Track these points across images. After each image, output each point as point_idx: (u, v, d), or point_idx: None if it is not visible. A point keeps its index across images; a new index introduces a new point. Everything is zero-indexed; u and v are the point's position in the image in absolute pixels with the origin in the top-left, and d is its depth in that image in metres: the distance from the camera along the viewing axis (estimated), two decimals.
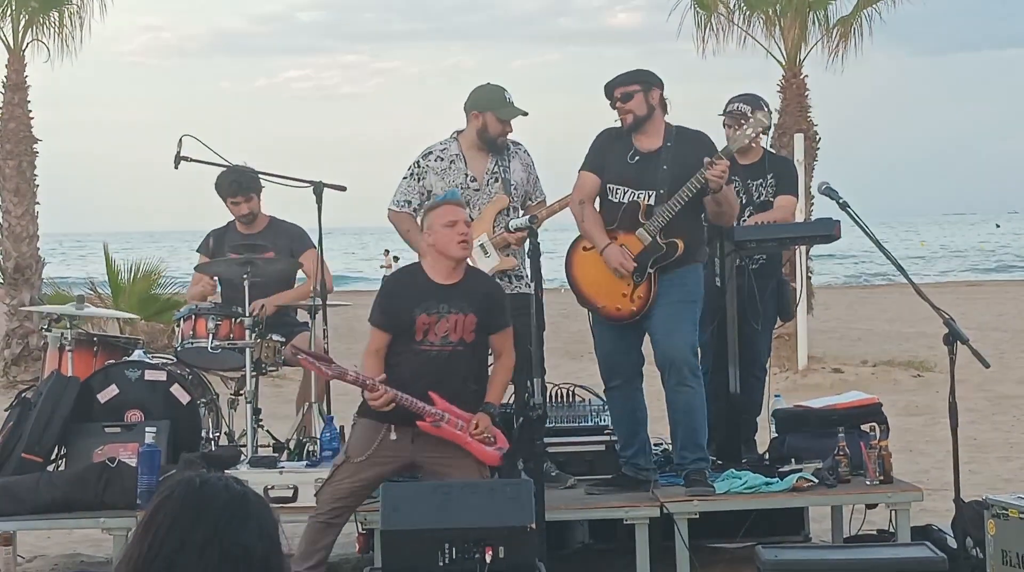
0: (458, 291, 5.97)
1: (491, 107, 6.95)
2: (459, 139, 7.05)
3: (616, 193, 6.49)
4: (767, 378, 7.38)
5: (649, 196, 6.41)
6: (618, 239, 6.44)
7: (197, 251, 8.04)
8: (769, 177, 7.26)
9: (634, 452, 6.59)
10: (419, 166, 7.03)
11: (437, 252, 6.01)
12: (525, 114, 7.02)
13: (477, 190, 6.90)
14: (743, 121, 7.18)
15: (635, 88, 6.46)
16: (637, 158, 6.46)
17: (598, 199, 6.59)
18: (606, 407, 7.20)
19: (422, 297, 5.96)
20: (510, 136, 7.05)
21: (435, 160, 7.00)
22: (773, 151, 7.55)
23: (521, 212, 6.93)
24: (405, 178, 7.06)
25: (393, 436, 5.93)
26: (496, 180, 6.91)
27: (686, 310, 6.47)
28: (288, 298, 7.63)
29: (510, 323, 6.14)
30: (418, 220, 7.06)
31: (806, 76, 15.80)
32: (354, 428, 6.10)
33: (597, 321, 6.62)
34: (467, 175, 6.91)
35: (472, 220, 6.77)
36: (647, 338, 6.58)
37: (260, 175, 7.75)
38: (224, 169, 7.63)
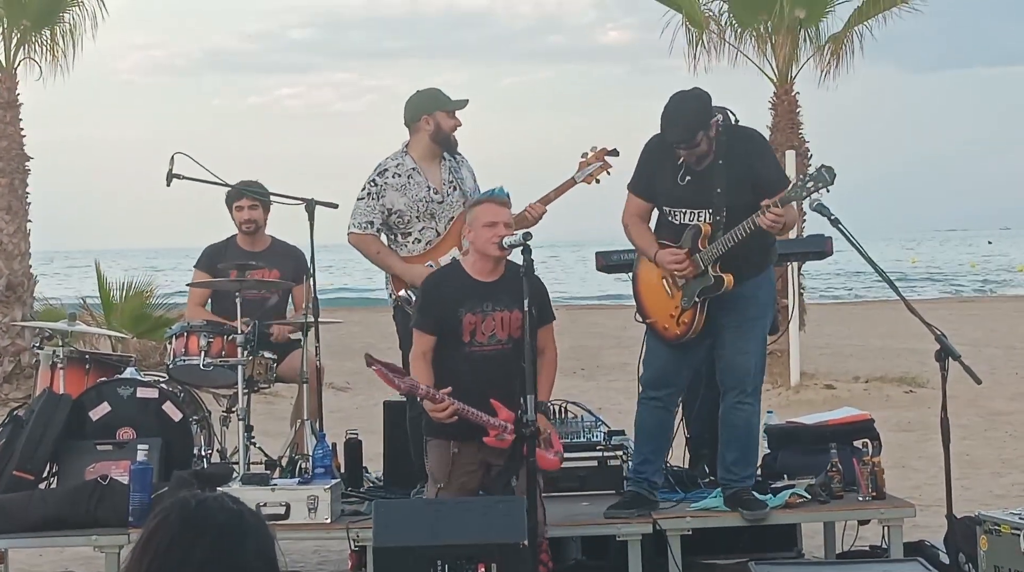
0: (501, 288, 5.93)
1: (438, 106, 6.98)
2: (409, 153, 7.01)
3: (675, 215, 6.33)
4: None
5: (709, 215, 6.24)
6: None
7: (195, 267, 8.07)
8: None
9: (653, 470, 6.54)
10: (376, 185, 6.91)
11: (476, 250, 6.00)
12: (466, 102, 7.03)
13: (440, 202, 6.88)
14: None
15: (700, 136, 6.14)
16: (688, 178, 6.26)
17: (657, 217, 6.43)
18: (598, 423, 7.21)
19: (466, 296, 5.92)
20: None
21: (392, 177, 6.91)
22: None
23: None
24: (361, 198, 6.91)
25: (455, 450, 5.92)
26: (455, 189, 6.91)
27: (758, 326, 6.40)
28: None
29: (553, 317, 6.12)
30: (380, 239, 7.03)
31: (797, 93, 15.85)
32: (427, 451, 6.06)
33: (650, 334, 6.53)
34: (429, 187, 6.89)
35: (440, 234, 6.80)
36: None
37: (254, 191, 7.80)
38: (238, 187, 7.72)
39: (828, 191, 6.23)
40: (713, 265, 6.23)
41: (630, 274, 6.71)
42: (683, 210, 6.31)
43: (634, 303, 6.61)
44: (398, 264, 6.87)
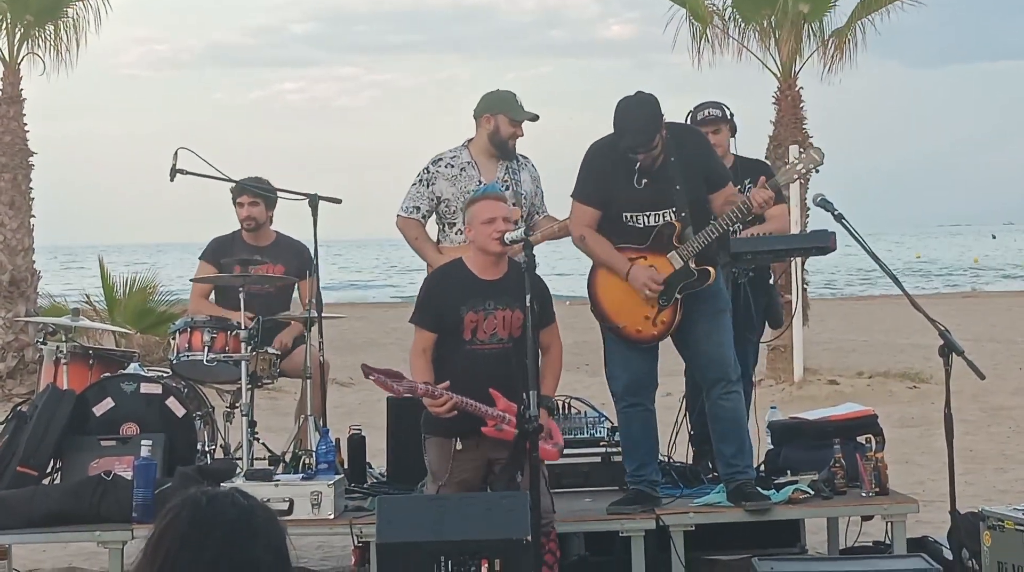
0: (503, 287, 5.93)
1: (503, 109, 7.00)
2: (469, 147, 7.09)
3: (637, 218, 6.29)
4: (753, 390, 7.40)
5: (673, 214, 6.22)
6: (647, 260, 6.27)
7: (200, 259, 8.07)
8: (747, 182, 7.07)
9: (652, 470, 6.52)
10: (429, 172, 7.05)
11: (477, 248, 6.00)
12: (536, 118, 7.06)
13: None
14: (721, 126, 7.22)
15: (657, 139, 6.14)
16: (645, 181, 6.23)
17: (612, 224, 6.33)
18: (602, 419, 7.20)
19: (467, 294, 5.93)
20: (528, 149, 7.11)
21: (445, 166, 7.03)
22: (744, 157, 7.46)
23: (532, 229, 6.90)
24: (414, 184, 7.08)
25: (459, 447, 5.93)
26: (507, 189, 6.92)
27: (726, 318, 6.43)
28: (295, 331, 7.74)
29: (555, 317, 6.14)
30: (426, 226, 7.11)
31: (801, 88, 15.83)
32: (427, 448, 6.07)
33: (616, 340, 6.45)
34: (480, 182, 6.92)
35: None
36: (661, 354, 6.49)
37: (256, 188, 7.80)
38: (242, 182, 7.72)
39: (817, 171, 6.28)
40: (693, 260, 6.24)
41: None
42: (646, 213, 6.28)
43: (595, 310, 6.45)
44: (431, 253, 6.98)
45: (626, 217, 6.32)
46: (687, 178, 6.23)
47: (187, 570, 2.46)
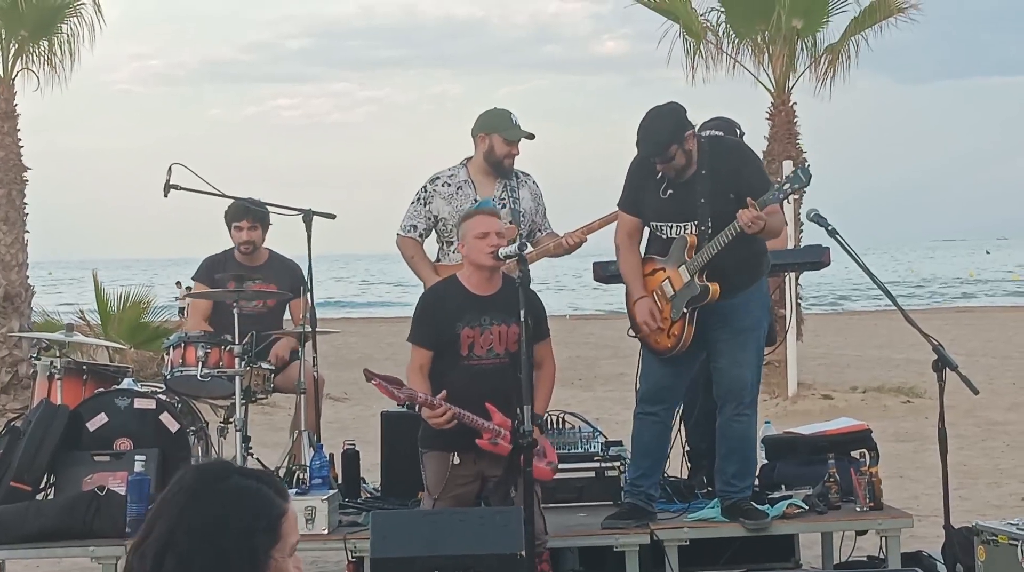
0: (498, 302, 5.94)
1: (497, 129, 7.00)
2: (468, 165, 7.09)
3: (662, 229, 6.31)
4: None
5: (694, 228, 6.21)
6: (666, 272, 6.29)
7: (193, 279, 8.06)
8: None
9: (651, 483, 6.53)
10: (426, 191, 7.07)
11: (470, 263, 6.01)
12: (531, 136, 7.07)
13: None
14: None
15: (673, 149, 6.13)
16: (670, 192, 6.24)
17: (648, 233, 6.41)
18: (596, 434, 7.20)
19: (463, 310, 5.94)
20: (521, 166, 7.09)
21: (442, 185, 7.04)
22: None
23: (527, 242, 6.89)
24: (412, 203, 7.09)
25: (456, 461, 5.93)
26: (504, 207, 6.92)
27: (752, 337, 6.36)
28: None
29: (549, 333, 6.15)
30: (423, 245, 7.12)
31: (795, 103, 15.88)
32: (424, 462, 6.06)
33: (645, 349, 6.50)
34: (476, 201, 6.91)
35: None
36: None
37: (251, 204, 7.80)
38: (236, 198, 7.71)
39: (804, 191, 6.28)
40: (699, 275, 6.21)
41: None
42: (669, 224, 6.28)
43: (629, 317, 6.54)
44: (426, 272, 6.98)
45: (654, 226, 6.36)
46: (714, 192, 6.19)
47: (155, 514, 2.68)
